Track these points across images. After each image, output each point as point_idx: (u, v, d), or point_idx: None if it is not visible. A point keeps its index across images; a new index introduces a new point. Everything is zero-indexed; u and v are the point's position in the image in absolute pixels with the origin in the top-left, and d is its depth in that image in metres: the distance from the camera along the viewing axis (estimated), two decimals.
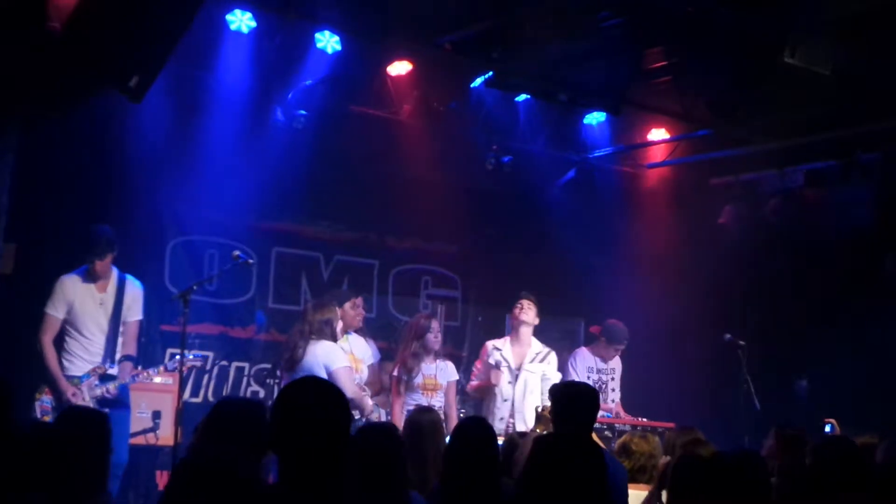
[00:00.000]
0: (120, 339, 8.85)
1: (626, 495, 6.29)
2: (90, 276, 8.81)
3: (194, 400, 10.51)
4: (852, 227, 11.34)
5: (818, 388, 11.45)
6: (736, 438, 9.62)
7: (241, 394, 10.99)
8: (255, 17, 9.66)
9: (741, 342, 10.34)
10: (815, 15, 8.58)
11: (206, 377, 10.83)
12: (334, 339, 8.84)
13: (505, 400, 9.82)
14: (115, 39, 8.19)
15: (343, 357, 8.83)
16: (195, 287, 8.88)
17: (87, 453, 5.32)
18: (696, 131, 11.74)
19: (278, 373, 9.46)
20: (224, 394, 10.80)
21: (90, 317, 8.77)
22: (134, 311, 8.98)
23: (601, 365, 10.92)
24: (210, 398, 10.72)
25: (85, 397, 8.52)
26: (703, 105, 10.53)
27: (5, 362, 8.47)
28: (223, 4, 9.53)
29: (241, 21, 9.64)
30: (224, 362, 10.96)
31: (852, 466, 5.41)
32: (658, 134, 12.38)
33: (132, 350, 8.94)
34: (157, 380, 9.25)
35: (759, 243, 12.33)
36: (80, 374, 8.64)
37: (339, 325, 9.13)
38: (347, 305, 9.57)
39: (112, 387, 8.62)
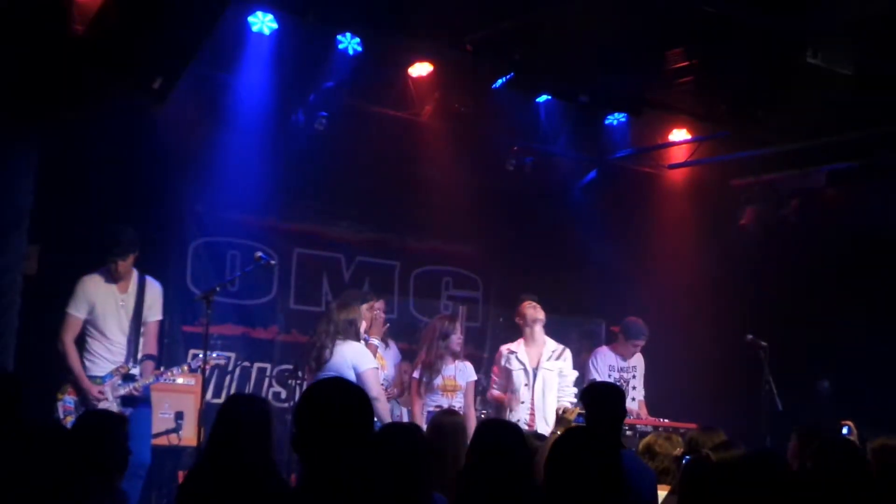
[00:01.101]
0: (141, 340, 8.86)
1: (656, 498, 6.28)
2: (111, 277, 8.76)
3: (216, 400, 10.51)
4: (874, 227, 11.30)
5: (840, 388, 11.41)
6: (758, 439, 9.59)
7: (264, 395, 11.01)
8: (277, 18, 9.66)
9: (763, 343, 10.29)
10: (837, 15, 8.56)
11: (228, 378, 10.87)
12: (358, 338, 8.84)
13: (522, 402, 9.81)
14: (138, 42, 8.24)
15: (371, 358, 8.82)
16: (218, 288, 8.90)
17: (101, 454, 5.35)
18: (717, 132, 11.72)
19: (300, 373, 9.47)
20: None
21: (112, 317, 8.74)
22: (154, 311, 8.95)
23: (622, 363, 10.89)
24: None
25: (108, 397, 8.52)
26: (724, 106, 10.52)
27: (30, 363, 8.53)
28: (245, 6, 9.55)
29: (263, 23, 9.65)
30: (246, 363, 10.99)
31: (850, 469, 5.38)
32: (679, 135, 12.33)
33: (153, 350, 8.93)
34: (180, 380, 9.29)
35: (781, 244, 12.30)
36: (102, 374, 8.62)
37: (363, 326, 9.12)
38: (364, 307, 9.54)
39: (138, 385, 8.64)
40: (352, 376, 8.33)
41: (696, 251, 12.62)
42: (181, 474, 9.46)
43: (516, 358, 9.92)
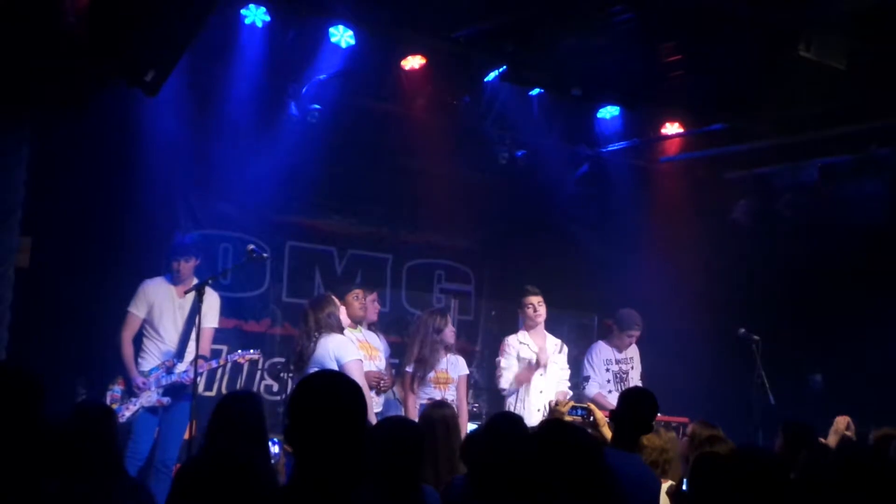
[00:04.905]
0: (191, 343, 9.01)
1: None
2: (172, 279, 9.32)
3: (208, 394, 10.50)
4: (867, 222, 11.29)
5: (833, 382, 11.42)
6: (750, 433, 9.61)
7: (255, 388, 11.01)
8: (270, 11, 9.64)
9: (755, 336, 10.29)
10: (829, 8, 8.55)
11: (219, 371, 10.84)
12: (341, 330, 8.78)
13: (541, 392, 9.88)
14: (130, 34, 8.21)
15: (354, 350, 8.72)
16: (210, 281, 8.92)
17: (95, 445, 5.34)
18: (709, 125, 11.71)
19: (292, 367, 9.45)
20: (238, 388, 10.81)
21: (168, 318, 9.29)
22: (210, 318, 9.27)
23: (619, 356, 10.88)
24: (224, 392, 10.72)
25: (151, 387, 9.07)
26: (717, 99, 10.52)
27: (22, 355, 8.51)
28: None
29: (256, 15, 9.63)
30: None
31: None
32: (672, 128, 12.29)
33: (206, 353, 9.22)
34: None
35: (774, 238, 12.30)
36: (149, 368, 9.19)
37: (343, 315, 9.06)
38: (350, 297, 9.52)
39: (180, 369, 9.13)
40: (335, 368, 8.29)
41: (688, 245, 12.61)
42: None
43: (529, 349, 9.97)
